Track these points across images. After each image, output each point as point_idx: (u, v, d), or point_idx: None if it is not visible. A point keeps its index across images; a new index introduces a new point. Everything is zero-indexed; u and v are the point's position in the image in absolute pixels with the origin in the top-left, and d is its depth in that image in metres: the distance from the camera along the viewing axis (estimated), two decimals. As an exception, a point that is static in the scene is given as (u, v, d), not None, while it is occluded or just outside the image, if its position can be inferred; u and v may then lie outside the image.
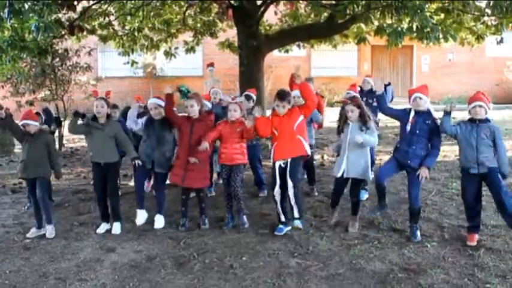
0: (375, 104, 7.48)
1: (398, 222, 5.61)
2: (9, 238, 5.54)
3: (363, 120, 5.25)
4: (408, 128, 5.09)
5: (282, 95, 5.26)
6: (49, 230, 5.61)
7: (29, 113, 5.86)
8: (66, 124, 8.15)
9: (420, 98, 5.08)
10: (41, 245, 5.30)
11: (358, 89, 7.91)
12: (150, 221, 5.83)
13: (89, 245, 5.25)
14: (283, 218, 5.38)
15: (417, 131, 5.03)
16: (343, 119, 5.42)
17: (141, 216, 5.86)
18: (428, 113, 5.11)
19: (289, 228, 5.39)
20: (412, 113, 5.12)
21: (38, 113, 6.69)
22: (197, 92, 6.21)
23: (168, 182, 5.99)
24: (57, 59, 11.70)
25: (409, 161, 5.07)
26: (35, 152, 5.59)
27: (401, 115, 5.26)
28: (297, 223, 5.45)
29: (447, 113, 4.94)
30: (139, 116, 6.08)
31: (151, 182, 7.19)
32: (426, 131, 5.03)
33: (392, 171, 5.37)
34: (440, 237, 5.18)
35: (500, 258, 4.58)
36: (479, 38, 10.11)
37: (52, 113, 8.25)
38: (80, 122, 5.64)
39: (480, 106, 4.79)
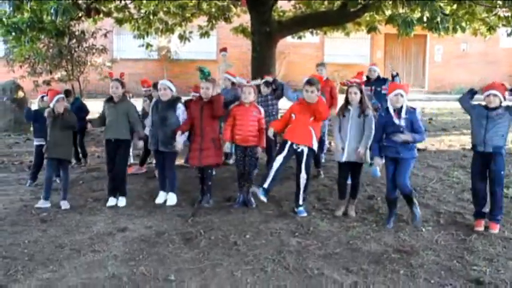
0: (383, 91, 7.67)
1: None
2: (27, 211, 5.86)
3: (362, 107, 5.44)
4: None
5: (310, 81, 5.43)
6: (64, 204, 6.01)
7: (57, 91, 6.22)
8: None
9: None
10: (57, 218, 5.61)
11: (365, 78, 8.06)
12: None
13: (102, 219, 5.54)
14: (266, 185, 5.45)
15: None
16: (344, 103, 5.57)
17: (161, 197, 6.20)
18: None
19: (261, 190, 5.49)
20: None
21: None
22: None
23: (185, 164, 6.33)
24: (74, 41, 12.02)
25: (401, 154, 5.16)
26: (58, 132, 5.98)
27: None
28: (301, 212, 5.59)
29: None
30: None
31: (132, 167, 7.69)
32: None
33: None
34: (436, 222, 5.38)
35: (491, 243, 4.79)
36: (491, 29, 10.18)
37: None
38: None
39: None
